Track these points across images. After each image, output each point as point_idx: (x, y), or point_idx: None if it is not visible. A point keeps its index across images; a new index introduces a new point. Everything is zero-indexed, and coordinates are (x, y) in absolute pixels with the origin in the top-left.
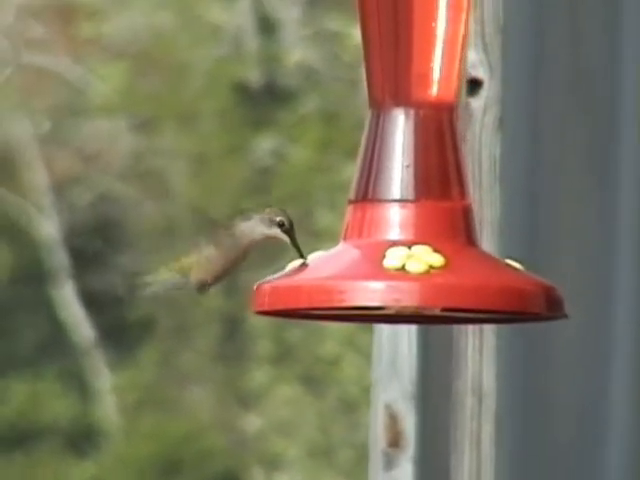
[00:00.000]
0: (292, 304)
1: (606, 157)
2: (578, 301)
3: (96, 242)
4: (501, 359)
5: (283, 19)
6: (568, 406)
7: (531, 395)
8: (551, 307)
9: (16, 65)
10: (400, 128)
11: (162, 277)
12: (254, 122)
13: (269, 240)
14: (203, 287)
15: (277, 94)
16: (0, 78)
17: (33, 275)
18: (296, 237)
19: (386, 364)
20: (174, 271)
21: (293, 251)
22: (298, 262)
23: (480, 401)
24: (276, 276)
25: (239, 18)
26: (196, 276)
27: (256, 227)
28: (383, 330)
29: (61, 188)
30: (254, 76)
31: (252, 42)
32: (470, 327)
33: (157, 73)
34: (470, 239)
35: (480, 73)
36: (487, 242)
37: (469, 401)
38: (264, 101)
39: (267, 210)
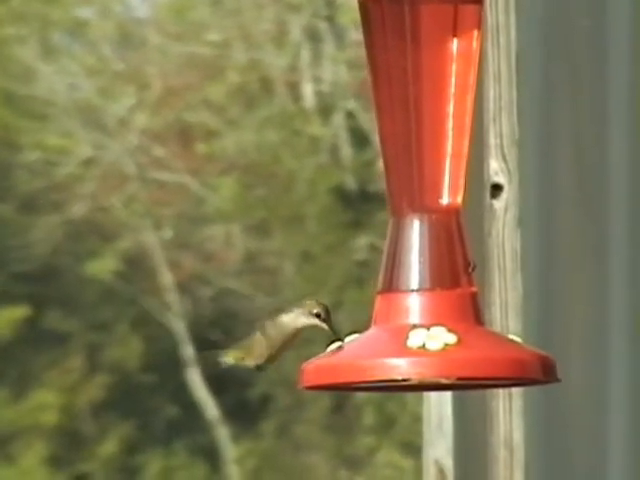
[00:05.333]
0: (333, 380)
1: (605, 254)
2: (584, 367)
3: (216, 332)
4: (527, 417)
5: (373, 129)
6: (583, 453)
7: (554, 446)
8: (546, 373)
9: (141, 181)
10: (416, 230)
11: (228, 360)
12: (351, 222)
13: (313, 328)
14: (259, 368)
15: (370, 197)
16: (128, 192)
17: (163, 362)
18: (332, 323)
19: (434, 426)
20: (235, 356)
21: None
22: (337, 344)
23: (511, 453)
24: (318, 357)
25: (334, 131)
26: (251, 360)
27: (297, 319)
28: (431, 397)
29: (185, 286)
30: (350, 181)
31: (347, 151)
32: (500, 391)
33: (264, 182)
34: (478, 319)
35: (501, 179)
36: (512, 321)
37: (502, 454)
38: (359, 203)
39: (307, 303)
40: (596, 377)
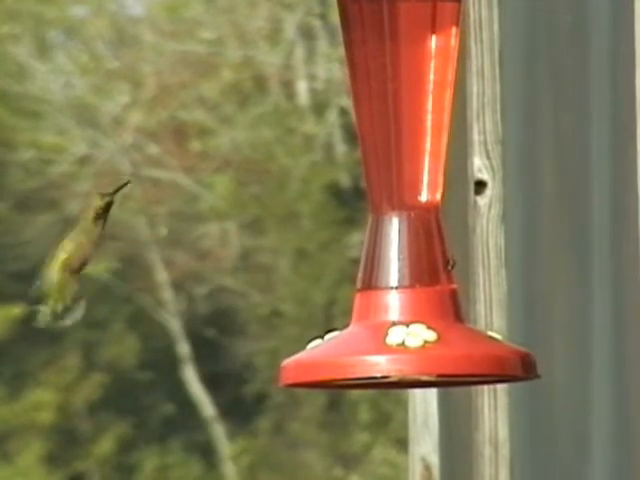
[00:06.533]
0: (312, 377)
1: (588, 251)
2: (568, 364)
3: (211, 330)
4: (512, 414)
5: None
6: (567, 449)
7: (538, 443)
8: (526, 370)
9: (136, 178)
10: (395, 228)
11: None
12: (346, 219)
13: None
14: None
15: (364, 194)
16: (122, 190)
17: (159, 361)
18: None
19: (420, 423)
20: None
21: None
22: (316, 342)
23: (496, 450)
24: (298, 354)
25: (328, 128)
26: (58, 305)
27: (91, 230)
28: (416, 395)
29: (180, 284)
30: (344, 179)
31: (340, 148)
32: (485, 388)
33: (258, 180)
34: (458, 316)
35: (485, 176)
36: (496, 317)
37: (487, 450)
38: (353, 200)
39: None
40: (580, 373)
